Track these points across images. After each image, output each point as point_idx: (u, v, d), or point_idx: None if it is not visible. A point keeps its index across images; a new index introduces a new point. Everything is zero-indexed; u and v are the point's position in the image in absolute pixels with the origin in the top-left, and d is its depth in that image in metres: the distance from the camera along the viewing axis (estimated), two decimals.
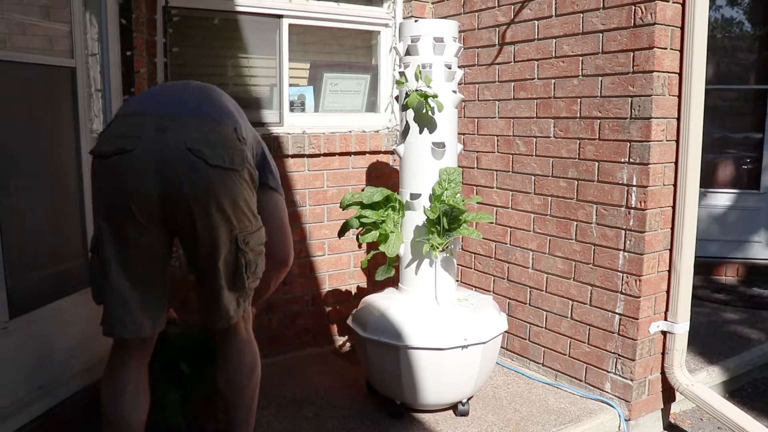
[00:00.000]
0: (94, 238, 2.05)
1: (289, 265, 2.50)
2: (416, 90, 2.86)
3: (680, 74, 2.86)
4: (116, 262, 2.02)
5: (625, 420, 3.01)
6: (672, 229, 2.98)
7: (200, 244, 2.06)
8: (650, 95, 2.79)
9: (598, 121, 3.02)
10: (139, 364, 2.18)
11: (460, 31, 3.48)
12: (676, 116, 2.89)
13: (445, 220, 2.85)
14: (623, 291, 2.98)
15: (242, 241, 2.10)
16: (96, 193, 2.04)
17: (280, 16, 3.59)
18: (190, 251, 2.14)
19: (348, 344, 3.85)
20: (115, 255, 2.01)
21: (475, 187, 3.71)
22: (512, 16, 3.38)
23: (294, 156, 3.57)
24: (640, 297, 2.92)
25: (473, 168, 3.72)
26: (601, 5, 2.95)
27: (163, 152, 1.94)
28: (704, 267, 5.12)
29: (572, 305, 3.22)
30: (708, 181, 5.23)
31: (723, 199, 5.34)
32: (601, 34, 2.96)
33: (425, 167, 2.96)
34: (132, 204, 1.95)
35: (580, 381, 3.21)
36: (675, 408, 3.28)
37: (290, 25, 3.64)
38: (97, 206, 2.05)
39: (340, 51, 4.09)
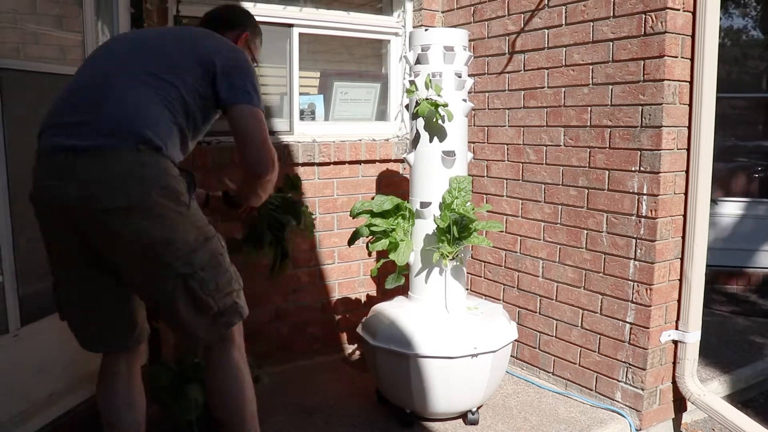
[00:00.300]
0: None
1: (262, 176, 2.15)
2: (426, 99, 2.86)
3: (691, 83, 2.85)
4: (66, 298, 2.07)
5: (636, 430, 2.99)
6: (683, 237, 2.96)
7: (135, 283, 2.02)
8: (661, 104, 2.78)
9: (609, 129, 3.01)
10: (128, 367, 2.18)
11: (470, 40, 3.49)
12: (687, 125, 2.88)
13: (455, 229, 2.84)
14: (634, 300, 2.97)
15: (183, 266, 1.94)
16: None
17: (290, 25, 3.61)
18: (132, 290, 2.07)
19: (358, 352, 3.85)
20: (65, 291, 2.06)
21: (485, 196, 3.71)
22: (522, 25, 3.39)
23: (304, 164, 3.58)
24: (651, 306, 2.91)
25: (483, 176, 3.72)
26: (612, 14, 2.95)
27: (61, 207, 1.89)
28: (716, 276, 5.10)
29: (582, 314, 3.21)
30: (719, 189, 5.21)
31: (734, 207, 5.32)
32: (611, 43, 2.96)
33: (435, 176, 2.96)
34: (59, 247, 2.00)
35: (591, 390, 3.19)
36: (686, 418, 3.25)
37: (300, 34, 3.65)
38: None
39: (350, 60, 4.10)
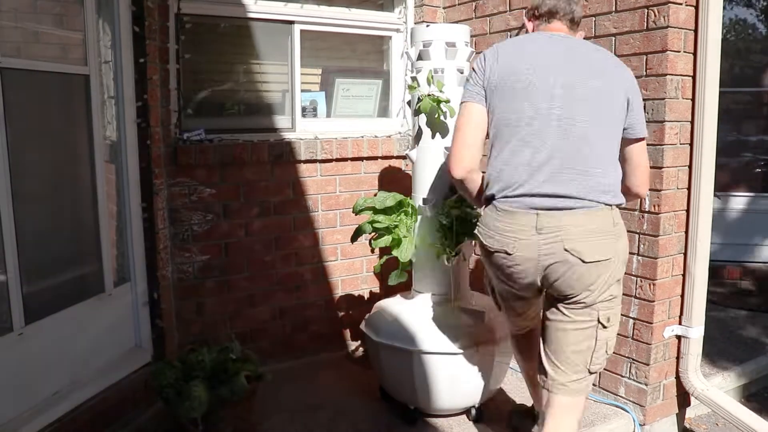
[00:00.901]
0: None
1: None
2: (429, 95, 2.86)
3: (694, 77, 2.85)
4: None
5: (640, 425, 2.99)
6: (686, 232, 2.96)
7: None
8: (663, 98, 2.78)
9: None
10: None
11: (471, 36, 3.48)
12: (690, 119, 2.87)
13: (458, 225, 2.84)
14: (637, 295, 2.96)
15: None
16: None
17: (291, 22, 3.60)
18: None
19: (361, 349, 3.85)
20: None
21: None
22: None
23: (306, 161, 3.58)
24: (654, 301, 2.90)
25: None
26: (614, 8, 2.94)
27: (540, 252, 2.12)
28: (719, 271, 5.09)
29: None
30: (722, 184, 5.20)
31: (737, 202, 5.31)
32: (613, 38, 2.95)
33: (438, 172, 2.96)
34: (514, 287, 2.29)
35: (594, 386, 3.19)
36: (690, 413, 3.25)
37: (302, 31, 3.65)
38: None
39: (352, 56, 4.10)
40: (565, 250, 2.09)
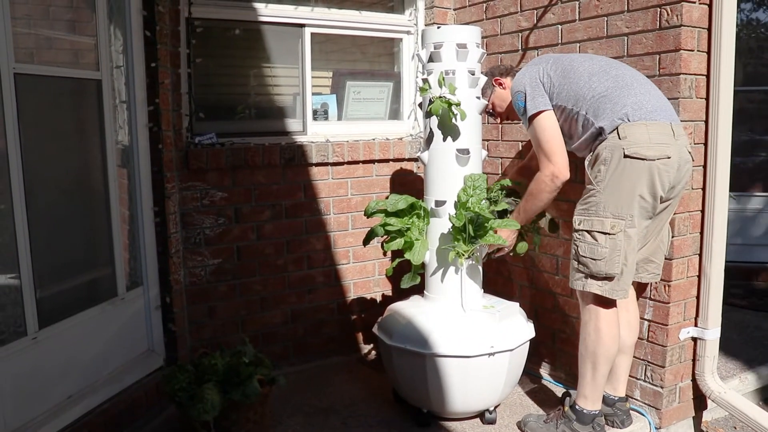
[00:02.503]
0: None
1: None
2: (440, 97, 2.85)
3: (707, 76, 2.82)
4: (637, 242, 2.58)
5: (656, 428, 2.96)
6: (701, 233, 2.93)
7: (668, 213, 2.71)
8: (677, 98, 2.75)
9: None
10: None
11: (482, 37, 3.47)
12: (704, 119, 2.85)
13: (471, 228, 2.83)
14: (652, 297, 2.94)
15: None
16: (631, 186, 2.52)
17: (302, 25, 3.60)
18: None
19: (374, 352, 3.84)
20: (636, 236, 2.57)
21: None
22: (535, 21, 3.36)
23: (318, 164, 3.58)
24: (669, 303, 2.87)
25: (498, 174, 3.70)
26: (626, 8, 2.92)
27: (680, 155, 2.54)
28: (735, 272, 5.03)
29: None
30: (736, 184, 5.15)
31: (753, 202, 5.25)
32: (626, 38, 2.93)
33: (450, 174, 2.95)
34: (655, 195, 2.54)
35: None
36: (707, 416, 3.22)
37: (312, 34, 3.65)
38: (630, 196, 2.53)
39: (363, 59, 4.10)
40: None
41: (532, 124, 2.76)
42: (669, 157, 2.49)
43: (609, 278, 2.56)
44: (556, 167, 2.72)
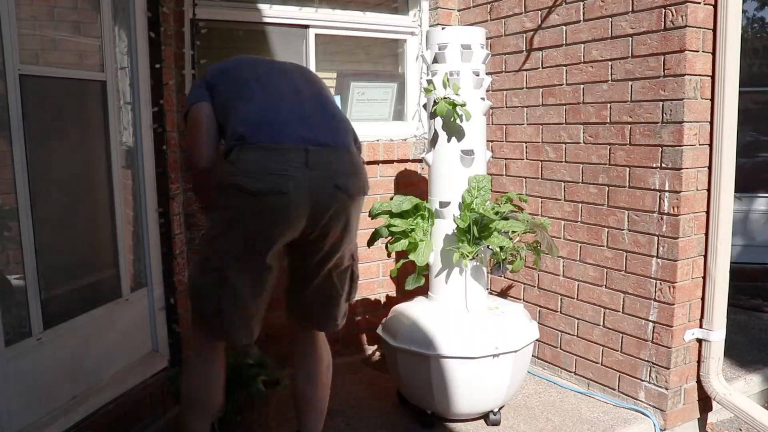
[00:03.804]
0: (212, 261, 2.15)
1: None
2: (444, 98, 2.85)
3: (713, 77, 2.81)
4: (246, 284, 2.16)
5: (661, 430, 2.95)
6: (706, 234, 2.92)
7: (323, 260, 2.25)
8: (682, 99, 2.75)
9: (629, 126, 2.98)
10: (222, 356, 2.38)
11: (487, 38, 3.47)
12: (709, 120, 2.84)
13: (475, 229, 2.82)
14: (657, 298, 2.93)
15: (353, 257, 2.33)
16: (231, 222, 2.10)
17: (306, 26, 3.60)
18: (301, 263, 2.30)
19: (378, 353, 3.84)
20: (242, 279, 2.14)
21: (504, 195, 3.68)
22: (539, 22, 3.36)
23: None
24: (674, 304, 2.87)
25: (502, 175, 3.70)
26: (630, 9, 2.91)
27: (313, 191, 2.07)
28: (740, 272, 5.01)
29: (604, 313, 3.18)
30: (741, 185, 5.13)
31: (758, 204, 5.24)
32: (630, 38, 2.93)
33: (454, 175, 2.95)
34: (277, 237, 2.11)
35: (614, 390, 3.16)
36: (712, 418, 3.21)
37: (316, 35, 3.65)
38: (226, 233, 2.12)
39: (367, 60, 4.10)
40: None
41: None
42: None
43: None
44: None
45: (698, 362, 3.00)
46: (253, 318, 2.25)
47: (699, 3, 2.72)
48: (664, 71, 2.81)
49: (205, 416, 2.30)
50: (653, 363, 2.97)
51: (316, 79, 2.43)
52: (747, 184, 5.27)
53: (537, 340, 3.09)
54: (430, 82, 2.96)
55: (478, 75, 2.92)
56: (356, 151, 2.28)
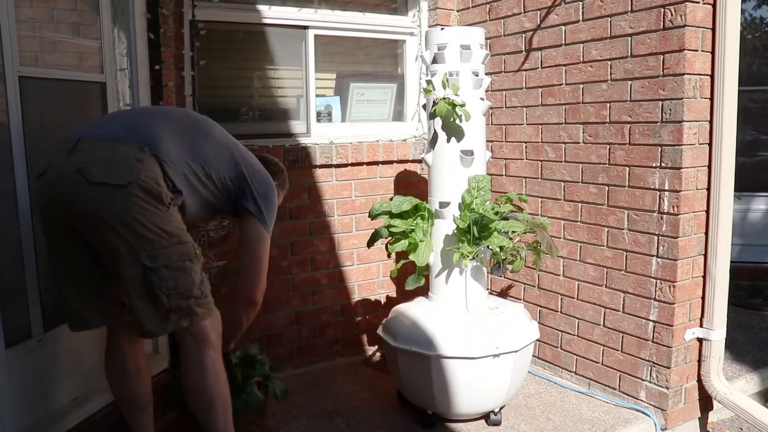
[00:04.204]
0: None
1: (253, 304, 2.48)
2: (444, 98, 2.85)
3: (712, 76, 2.81)
4: (56, 268, 2.21)
5: (662, 429, 2.95)
6: (706, 233, 2.92)
7: (105, 260, 2.13)
8: (681, 98, 2.75)
9: (628, 125, 2.98)
10: (130, 342, 2.37)
11: (486, 38, 3.47)
12: (709, 119, 2.84)
13: (475, 229, 2.82)
14: (657, 297, 2.93)
15: (147, 258, 2.06)
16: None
17: (305, 27, 3.60)
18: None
19: (378, 354, 3.84)
20: (54, 262, 2.21)
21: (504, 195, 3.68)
22: (538, 22, 3.36)
23: (322, 166, 3.58)
24: (674, 303, 2.87)
25: (502, 175, 3.70)
26: (630, 8, 2.91)
27: (60, 175, 2.07)
28: (740, 272, 5.01)
29: (604, 312, 3.18)
30: (741, 184, 5.13)
31: (758, 202, 5.23)
32: (629, 38, 2.93)
33: (454, 175, 2.95)
34: (52, 220, 2.14)
35: (614, 389, 3.16)
36: (713, 417, 3.21)
37: (316, 36, 3.65)
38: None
39: (366, 61, 4.10)
40: None
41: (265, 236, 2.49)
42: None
43: None
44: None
45: (699, 361, 3.00)
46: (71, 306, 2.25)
47: (698, 2, 2.72)
48: (663, 71, 2.81)
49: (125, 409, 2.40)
50: (654, 362, 2.97)
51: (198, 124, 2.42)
52: (747, 183, 5.27)
53: (537, 340, 3.09)
54: (429, 82, 2.96)
55: (477, 75, 2.92)
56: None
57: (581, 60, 3.16)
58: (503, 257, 3.01)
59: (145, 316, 2.12)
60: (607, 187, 3.11)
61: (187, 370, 2.23)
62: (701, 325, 2.96)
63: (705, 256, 2.93)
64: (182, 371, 2.25)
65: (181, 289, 2.13)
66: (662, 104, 2.82)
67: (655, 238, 2.91)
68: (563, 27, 3.24)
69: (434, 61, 2.96)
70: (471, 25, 3.78)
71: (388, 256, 3.78)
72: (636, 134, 2.95)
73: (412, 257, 2.97)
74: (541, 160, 3.45)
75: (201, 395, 2.23)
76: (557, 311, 3.44)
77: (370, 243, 3.12)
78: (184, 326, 2.17)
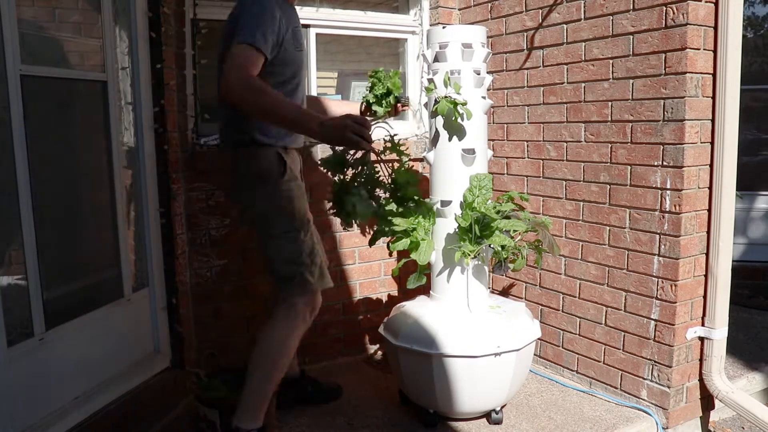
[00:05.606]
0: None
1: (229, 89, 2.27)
2: (445, 97, 2.85)
3: (714, 75, 2.81)
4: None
5: (663, 428, 2.95)
6: (708, 232, 2.92)
7: None
8: (683, 97, 2.75)
9: (630, 124, 2.97)
10: None
11: (488, 37, 3.47)
12: (711, 118, 2.84)
13: (477, 228, 2.82)
14: (658, 296, 2.93)
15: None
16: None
17: (307, 26, 3.60)
18: None
19: (380, 353, 3.84)
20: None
21: (505, 194, 3.68)
22: (540, 21, 3.36)
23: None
24: (676, 302, 2.87)
25: (503, 174, 3.69)
26: (631, 7, 2.91)
27: None
28: (742, 270, 5.01)
29: (606, 311, 3.18)
30: (743, 183, 5.12)
31: (760, 201, 5.23)
32: (631, 36, 2.93)
33: (455, 174, 2.94)
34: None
35: (616, 388, 3.16)
36: (714, 416, 3.21)
37: (317, 35, 3.65)
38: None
39: (368, 59, 4.10)
40: None
41: None
42: None
43: None
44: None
45: (700, 360, 3.00)
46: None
47: (700, 1, 2.72)
48: (665, 69, 2.80)
49: None
50: (655, 361, 2.97)
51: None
52: (749, 182, 5.27)
53: (539, 338, 3.09)
54: (431, 81, 2.96)
55: (479, 74, 2.92)
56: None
57: (583, 58, 3.16)
58: (505, 256, 3.01)
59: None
60: (608, 186, 3.10)
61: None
62: (703, 324, 2.96)
63: (707, 254, 2.93)
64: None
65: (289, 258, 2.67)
66: (664, 103, 2.82)
67: (657, 236, 2.91)
68: (565, 25, 3.23)
69: (436, 59, 2.96)
70: (472, 23, 3.78)
71: (390, 254, 3.78)
72: (638, 133, 2.94)
73: (413, 256, 2.96)
74: (542, 159, 3.44)
75: (257, 346, 2.58)
76: (559, 310, 3.44)
77: (372, 242, 3.11)
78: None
